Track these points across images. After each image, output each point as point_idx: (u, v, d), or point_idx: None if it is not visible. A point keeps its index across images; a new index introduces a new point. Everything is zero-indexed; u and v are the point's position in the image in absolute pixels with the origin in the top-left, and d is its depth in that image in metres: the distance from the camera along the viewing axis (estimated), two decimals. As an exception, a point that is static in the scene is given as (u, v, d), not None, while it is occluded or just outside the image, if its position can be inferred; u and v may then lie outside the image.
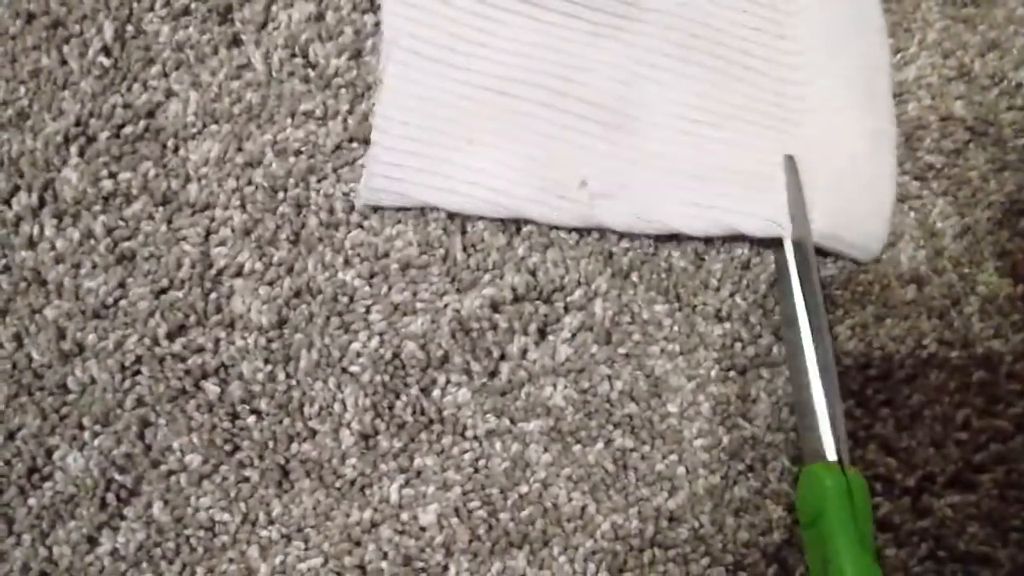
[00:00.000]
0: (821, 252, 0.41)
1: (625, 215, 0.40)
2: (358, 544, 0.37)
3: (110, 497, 0.37)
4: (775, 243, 0.40)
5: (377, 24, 0.42)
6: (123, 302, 0.39)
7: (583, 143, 0.41)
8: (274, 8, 0.42)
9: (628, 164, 0.41)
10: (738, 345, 0.39)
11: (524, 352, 0.39)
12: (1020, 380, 0.39)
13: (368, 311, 0.39)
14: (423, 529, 0.37)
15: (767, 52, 0.43)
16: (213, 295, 0.39)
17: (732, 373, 0.39)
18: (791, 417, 0.39)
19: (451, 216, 0.40)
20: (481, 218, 0.40)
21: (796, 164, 0.40)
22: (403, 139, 0.40)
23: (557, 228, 0.40)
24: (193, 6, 0.42)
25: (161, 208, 0.40)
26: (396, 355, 0.39)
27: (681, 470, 0.38)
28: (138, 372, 0.38)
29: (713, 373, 0.39)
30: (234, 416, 0.38)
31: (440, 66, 0.41)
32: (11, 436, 0.37)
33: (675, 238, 0.40)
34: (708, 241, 0.40)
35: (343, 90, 0.41)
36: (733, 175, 0.41)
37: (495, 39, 0.42)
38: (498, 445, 0.38)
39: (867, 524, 0.34)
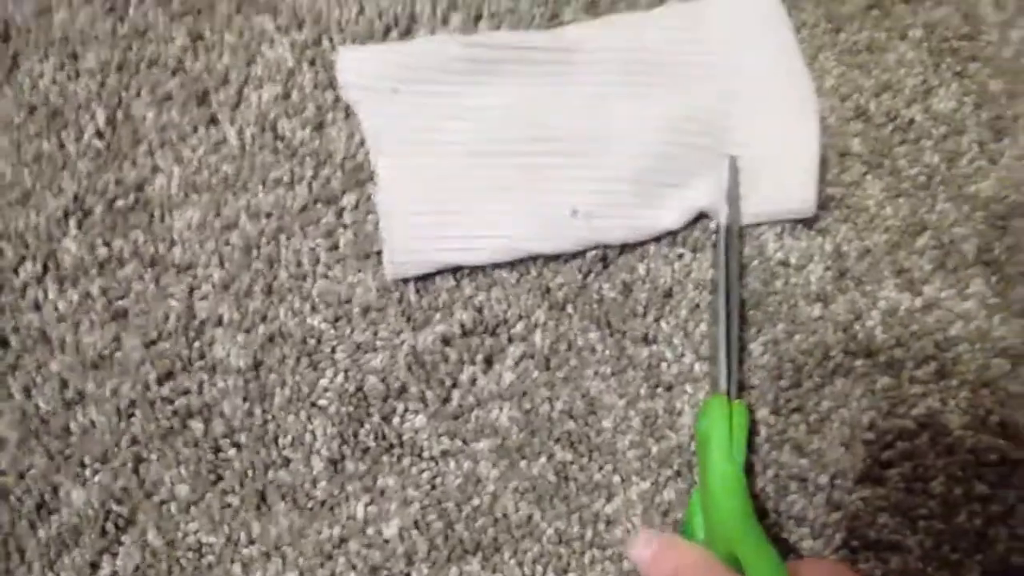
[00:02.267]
0: (768, 223, 0.46)
1: (617, 229, 0.44)
2: (330, 558, 0.41)
3: (109, 526, 0.41)
4: (703, 258, 0.45)
5: (337, 99, 0.47)
6: (118, 354, 0.43)
7: (565, 176, 0.45)
8: (246, 90, 0.48)
9: (607, 183, 0.45)
10: (663, 365, 0.43)
11: (473, 380, 0.43)
12: (921, 383, 0.43)
13: (334, 351, 0.43)
14: (387, 541, 0.41)
15: (693, 67, 0.48)
16: (197, 343, 0.43)
17: (659, 390, 0.43)
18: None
19: (404, 263, 0.45)
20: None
21: (736, 162, 0.45)
22: (410, 216, 0.44)
23: (499, 268, 0.45)
24: (174, 92, 0.48)
25: (150, 269, 0.44)
26: (359, 388, 0.43)
27: (616, 479, 0.42)
28: (132, 415, 0.42)
29: (642, 391, 0.43)
30: (217, 449, 0.42)
31: (423, 146, 0.46)
32: (21, 476, 0.42)
33: (605, 270, 0.45)
34: (633, 272, 0.45)
35: (308, 158, 0.46)
36: (689, 174, 0.45)
37: (464, 110, 0.47)
38: (452, 464, 0.42)
39: (741, 444, 0.39)
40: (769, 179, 0.45)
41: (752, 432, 0.41)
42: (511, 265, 0.45)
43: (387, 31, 0.49)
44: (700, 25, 0.49)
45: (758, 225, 0.45)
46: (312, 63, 0.48)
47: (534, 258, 0.45)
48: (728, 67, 0.48)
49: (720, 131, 0.46)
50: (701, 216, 0.45)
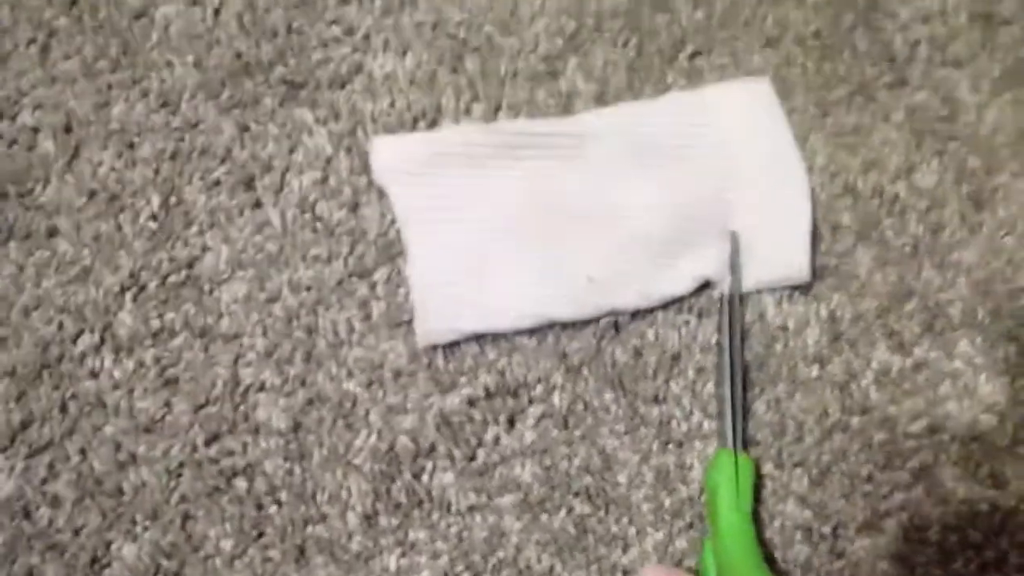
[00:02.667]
0: (767, 290, 0.50)
1: (629, 296, 0.48)
2: (365, 608, 0.43)
3: (159, 579, 0.44)
4: (708, 324, 0.48)
5: (370, 183, 0.52)
6: (168, 418, 0.46)
7: (580, 247, 0.49)
8: (288, 176, 0.52)
9: (620, 254, 0.49)
10: (674, 423, 0.47)
11: (497, 439, 0.46)
12: (915, 438, 0.46)
13: (367, 413, 0.46)
14: (419, 593, 0.44)
15: (695, 147, 0.52)
16: (241, 407, 0.46)
17: (670, 446, 0.46)
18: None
19: (433, 331, 0.48)
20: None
21: (737, 236, 0.49)
22: (439, 287, 0.48)
23: (520, 335, 0.48)
24: (223, 178, 0.52)
25: (199, 340, 0.48)
26: (391, 448, 0.46)
27: (632, 530, 0.45)
28: (181, 475, 0.45)
29: (654, 447, 0.46)
30: (259, 506, 0.45)
31: (450, 224, 0.50)
32: (76, 533, 0.44)
33: (618, 335, 0.48)
34: (643, 337, 0.48)
35: (344, 237, 0.50)
36: (696, 245, 0.50)
37: (487, 190, 0.51)
38: (478, 518, 0.45)
39: (748, 495, 0.42)
40: (767, 250, 0.49)
41: (758, 484, 0.44)
42: (531, 332, 0.48)
43: (415, 121, 0.53)
44: (702, 112, 0.53)
45: (759, 292, 0.49)
46: (348, 151, 0.52)
47: (552, 325, 0.48)
48: (728, 150, 0.52)
49: (721, 208, 0.50)
50: (705, 285, 0.49)
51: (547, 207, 0.50)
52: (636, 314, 0.49)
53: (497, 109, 0.54)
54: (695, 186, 0.51)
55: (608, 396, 0.47)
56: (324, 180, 0.52)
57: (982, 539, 0.44)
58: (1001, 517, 0.44)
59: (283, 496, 0.45)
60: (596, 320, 0.48)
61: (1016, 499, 0.44)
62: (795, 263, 0.49)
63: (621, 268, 0.49)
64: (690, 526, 0.44)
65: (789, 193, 0.51)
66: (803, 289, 0.49)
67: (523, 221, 0.50)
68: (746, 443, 0.45)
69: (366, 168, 0.52)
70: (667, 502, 0.45)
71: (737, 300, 0.47)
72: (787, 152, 0.52)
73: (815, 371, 0.47)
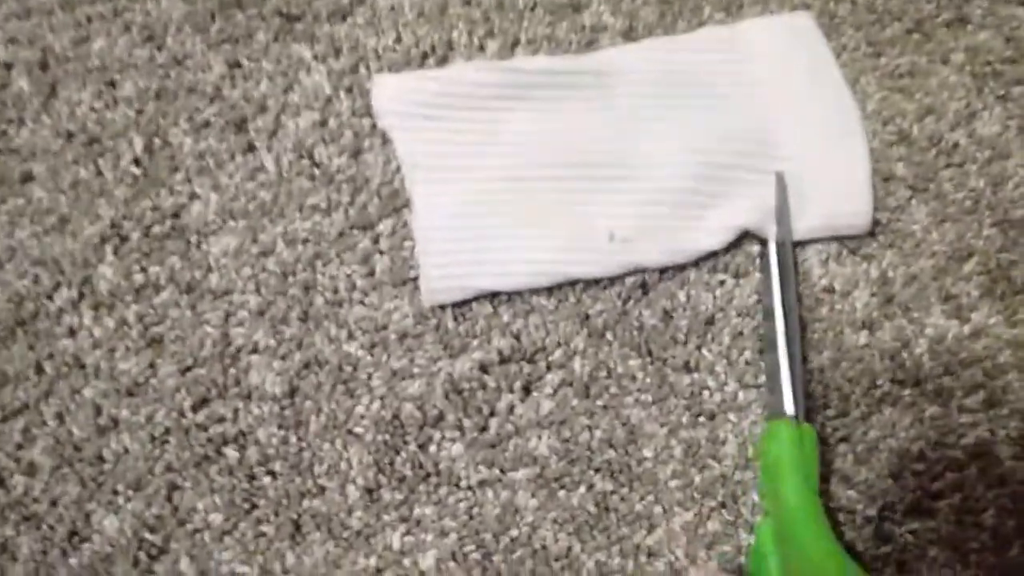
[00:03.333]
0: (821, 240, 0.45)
1: (655, 252, 0.44)
2: (365, 589, 0.40)
3: (142, 555, 0.40)
4: (746, 284, 0.44)
5: (374, 127, 0.48)
6: (153, 380, 0.43)
7: (601, 200, 0.45)
8: (283, 117, 0.48)
9: (643, 207, 0.45)
10: (706, 393, 0.43)
11: (511, 408, 0.43)
12: (971, 412, 0.42)
13: (370, 378, 0.43)
14: (423, 573, 0.40)
15: (730, 86, 0.48)
16: (232, 370, 0.43)
17: (701, 419, 0.42)
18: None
19: (441, 289, 0.45)
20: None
21: (783, 178, 0.45)
22: (446, 242, 0.44)
23: (537, 294, 0.44)
24: (212, 119, 0.48)
25: (186, 296, 0.44)
26: (396, 416, 0.42)
27: (658, 509, 0.41)
28: (166, 442, 0.42)
29: (684, 419, 0.42)
30: (251, 477, 0.42)
31: (458, 173, 0.46)
32: (54, 503, 0.41)
33: (645, 296, 0.44)
34: (673, 298, 0.44)
35: (344, 185, 0.46)
36: (730, 194, 0.45)
37: (499, 136, 0.47)
38: (490, 493, 0.41)
39: (813, 468, 0.38)
40: (821, 194, 0.45)
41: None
42: (549, 291, 0.44)
43: (424, 58, 0.49)
44: (736, 46, 0.49)
45: (803, 249, 0.45)
46: (349, 91, 0.48)
47: (572, 284, 0.44)
48: (767, 86, 0.48)
49: (762, 149, 0.46)
50: (743, 240, 0.45)
51: (565, 154, 0.46)
52: (665, 273, 0.45)
53: (514, 45, 0.50)
54: (729, 128, 0.47)
55: (634, 363, 0.43)
56: (323, 123, 0.48)
57: (1044, 525, 0.40)
58: (1065, 501, 0.40)
59: (277, 467, 0.41)
60: (621, 279, 0.44)
61: (1082, 481, 0.41)
62: (855, 209, 0.45)
63: (646, 223, 0.45)
64: (722, 506, 0.41)
65: (841, 132, 0.47)
66: (852, 247, 0.45)
67: (539, 169, 0.46)
68: (809, 412, 0.41)
69: (369, 110, 0.48)
70: (697, 479, 0.41)
71: (789, 250, 0.43)
72: (836, 90, 0.48)
73: (863, 338, 0.43)
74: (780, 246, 0.43)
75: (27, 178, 0.47)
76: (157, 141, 0.47)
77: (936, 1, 0.52)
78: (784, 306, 0.42)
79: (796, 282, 0.44)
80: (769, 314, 0.43)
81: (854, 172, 0.46)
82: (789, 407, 0.39)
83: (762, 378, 0.43)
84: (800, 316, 0.43)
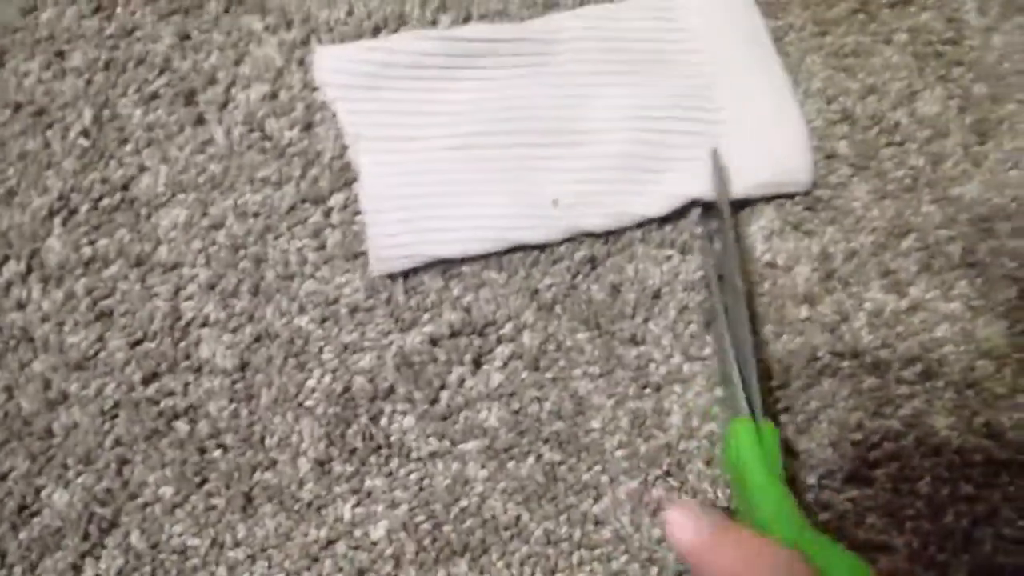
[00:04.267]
0: (766, 199, 0.46)
1: (599, 217, 0.45)
2: (316, 560, 0.40)
3: (92, 529, 0.40)
4: (691, 260, 0.45)
5: (324, 102, 0.48)
6: (102, 354, 0.43)
7: (545, 166, 0.46)
8: (233, 90, 0.47)
9: (587, 172, 0.45)
10: (652, 365, 0.43)
11: (461, 381, 0.43)
12: (907, 384, 0.43)
13: (321, 351, 0.43)
14: (374, 544, 0.41)
15: (669, 53, 0.49)
16: (182, 344, 0.43)
17: (647, 390, 0.43)
18: (703, 425, 0.43)
19: (393, 263, 0.45)
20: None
21: (717, 154, 0.46)
22: (393, 211, 0.44)
23: (488, 269, 0.45)
24: (161, 91, 0.47)
25: (135, 269, 0.44)
26: (347, 389, 0.42)
27: (604, 478, 0.42)
28: (116, 416, 0.42)
29: (630, 391, 0.43)
30: (202, 451, 0.42)
31: (402, 142, 0.46)
32: (3, 477, 0.41)
33: (594, 271, 0.45)
34: (621, 272, 0.45)
35: (296, 158, 0.46)
36: (673, 160, 0.46)
37: (442, 104, 0.47)
38: (440, 465, 0.42)
39: (776, 461, 0.38)
40: (763, 153, 0.46)
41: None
42: (499, 266, 0.44)
43: (376, 31, 0.49)
44: (673, 13, 0.49)
45: (747, 224, 0.46)
46: (301, 63, 0.48)
47: (523, 259, 0.45)
48: (704, 52, 0.49)
49: (702, 115, 0.47)
50: (688, 215, 0.46)
51: (509, 121, 0.46)
52: (614, 247, 0.45)
53: (466, 19, 0.50)
54: (669, 95, 0.47)
55: (582, 336, 0.44)
56: (274, 95, 0.48)
57: (974, 492, 0.41)
58: (995, 469, 0.42)
59: (228, 440, 0.41)
60: (571, 255, 0.45)
61: (1011, 451, 0.42)
62: (796, 166, 0.46)
63: (588, 188, 0.45)
64: (667, 475, 0.42)
65: (777, 95, 0.48)
66: (794, 223, 0.46)
67: (483, 137, 0.46)
68: (766, 406, 0.40)
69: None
70: (643, 449, 0.42)
71: (730, 228, 0.43)
72: (768, 56, 0.49)
73: (804, 311, 0.44)
74: (717, 210, 0.44)
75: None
76: (106, 113, 0.47)
77: (882, -18, 0.53)
78: (729, 290, 0.42)
79: (740, 259, 0.44)
80: (711, 289, 0.43)
81: (793, 131, 0.47)
82: (743, 408, 0.39)
83: (707, 351, 0.43)
84: (749, 293, 0.44)
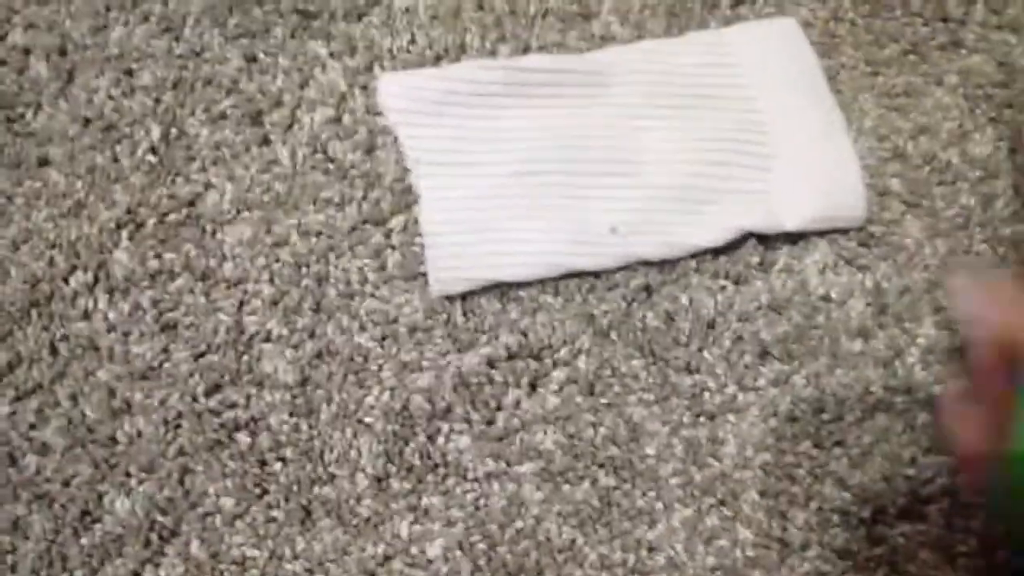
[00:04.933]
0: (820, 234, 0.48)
1: (656, 245, 0.46)
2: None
3: (153, 537, 0.41)
4: (745, 291, 0.46)
5: (386, 126, 0.49)
6: (167, 365, 0.44)
7: (602, 195, 0.47)
8: (299, 112, 0.49)
9: (644, 202, 0.47)
10: (706, 394, 0.44)
11: (517, 403, 0.44)
12: (960, 421, 0.44)
13: (380, 369, 0.44)
14: (430, 562, 0.41)
15: (722, 88, 0.50)
16: (245, 357, 0.44)
17: (702, 419, 0.44)
18: (757, 455, 0.43)
19: (452, 285, 0.46)
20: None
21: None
22: (452, 234, 0.46)
23: (545, 293, 0.46)
24: (228, 111, 0.49)
25: (200, 283, 0.45)
26: (405, 407, 0.44)
27: (659, 505, 0.43)
28: (179, 426, 0.43)
29: (685, 419, 0.44)
30: (263, 463, 0.43)
31: (462, 167, 0.47)
32: (66, 483, 0.42)
33: (649, 299, 0.46)
34: (676, 301, 0.46)
35: (358, 180, 0.48)
36: (726, 192, 0.47)
37: (502, 132, 0.48)
38: (496, 485, 0.43)
39: None
40: (816, 187, 0.48)
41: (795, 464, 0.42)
42: (556, 290, 0.46)
43: (437, 60, 0.50)
44: (728, 49, 0.51)
45: (801, 259, 0.47)
46: (364, 88, 0.49)
47: (579, 285, 0.46)
48: (756, 88, 0.50)
49: (755, 148, 0.48)
50: (742, 248, 0.47)
51: (567, 150, 0.48)
52: (668, 278, 0.46)
53: (526, 50, 0.51)
54: (723, 129, 0.49)
55: (637, 363, 0.45)
56: (337, 119, 0.49)
57: (1027, 529, 0.42)
58: (1047, 507, 0.42)
59: (288, 453, 0.43)
60: (626, 283, 0.46)
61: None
62: (849, 202, 0.48)
63: (644, 216, 0.47)
64: (721, 503, 0.42)
65: (828, 132, 0.49)
66: (848, 258, 0.47)
67: (541, 164, 0.47)
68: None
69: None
70: (697, 477, 0.43)
71: None
72: (819, 91, 0.50)
73: (858, 345, 0.45)
74: None
75: (44, 162, 0.47)
76: (174, 131, 0.48)
77: (932, 25, 0.54)
78: None
79: None
80: None
81: (845, 167, 0.48)
82: None
83: (761, 381, 0.44)
84: (797, 323, 0.45)
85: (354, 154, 0.48)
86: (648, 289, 0.46)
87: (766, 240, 0.47)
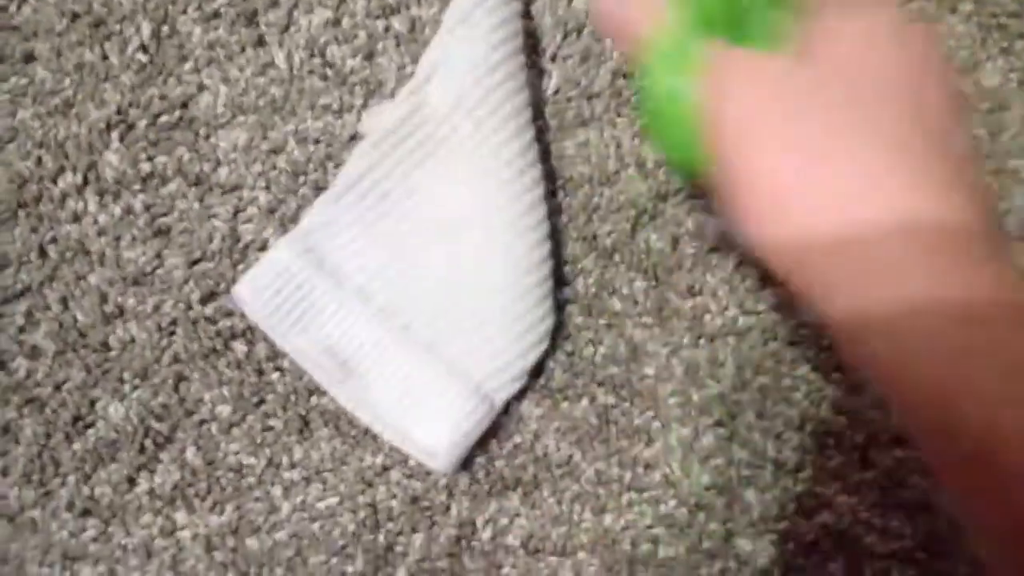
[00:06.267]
0: None
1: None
2: (370, 486, 0.43)
3: (148, 443, 0.43)
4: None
5: (387, 28, 0.49)
6: (160, 271, 0.44)
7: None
8: (296, 13, 0.49)
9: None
10: (707, 316, 0.46)
11: (518, 320, 0.45)
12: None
13: (379, 282, 0.45)
14: (428, 473, 0.43)
15: None
16: (241, 266, 0.45)
17: (702, 340, 0.46)
18: (756, 378, 0.45)
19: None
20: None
21: None
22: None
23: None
24: (222, 10, 0.48)
25: (194, 188, 0.46)
26: (404, 321, 0.45)
27: (656, 424, 0.44)
28: (173, 333, 0.44)
29: (685, 340, 0.46)
30: (260, 372, 0.44)
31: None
32: (57, 388, 0.43)
33: (653, 222, 0.47)
34: (681, 225, 0.47)
35: (357, 87, 0.48)
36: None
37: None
38: (495, 401, 0.44)
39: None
40: None
41: (793, 388, 0.44)
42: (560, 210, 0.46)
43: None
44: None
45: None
46: (365, -10, 0.49)
47: (584, 206, 0.47)
48: None
49: None
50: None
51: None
52: (676, 200, 0.47)
53: None
54: None
55: (639, 285, 0.46)
56: (336, 22, 0.49)
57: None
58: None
59: (286, 363, 0.44)
60: (633, 203, 0.46)
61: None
62: None
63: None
64: (718, 423, 0.44)
65: None
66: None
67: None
68: None
69: (384, 11, 0.49)
70: (695, 397, 0.45)
71: None
72: None
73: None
74: None
75: (29, 58, 0.47)
76: (165, 28, 0.48)
77: (949, -51, 0.54)
78: None
79: None
80: None
81: None
82: None
83: (762, 305, 0.46)
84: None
85: (353, 59, 0.48)
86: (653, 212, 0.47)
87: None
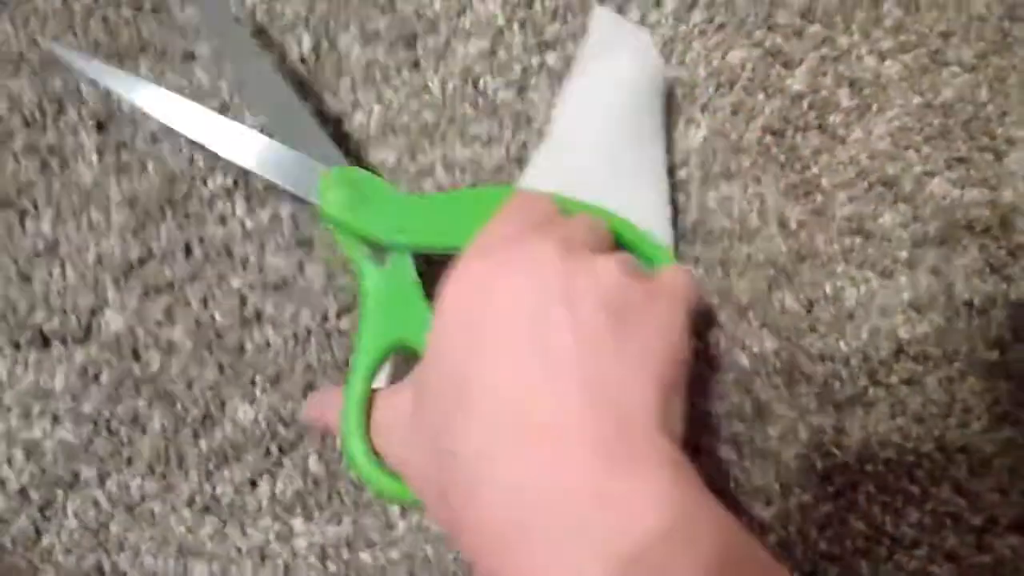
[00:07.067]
0: None
1: None
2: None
3: (273, 447, 0.44)
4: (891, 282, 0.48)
5: (542, 64, 0.50)
6: (300, 280, 0.46)
7: None
8: (453, 41, 0.51)
9: None
10: (836, 384, 0.47)
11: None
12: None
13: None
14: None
15: None
16: (378, 283, 0.46)
17: (829, 408, 0.46)
18: (882, 451, 0.46)
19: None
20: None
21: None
22: None
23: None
24: (383, 31, 0.50)
25: (339, 203, 0.47)
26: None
27: (776, 486, 0.45)
28: (308, 342, 0.45)
29: (812, 405, 0.46)
30: (389, 391, 0.45)
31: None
32: (189, 384, 0.45)
33: (788, 284, 0.48)
34: (816, 286, 0.48)
35: (507, 119, 0.49)
36: None
37: None
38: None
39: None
40: None
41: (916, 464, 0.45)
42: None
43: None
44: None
45: (950, 261, 0.48)
46: (522, 25, 0.51)
47: (721, 260, 0.48)
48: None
49: None
50: (892, 233, 0.48)
51: None
52: (813, 263, 0.48)
53: None
54: None
55: (769, 344, 0.47)
56: (492, 52, 0.50)
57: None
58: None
59: (414, 385, 0.45)
60: (771, 262, 0.47)
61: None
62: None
63: None
64: (838, 493, 0.45)
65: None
66: (996, 267, 0.49)
67: None
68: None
69: (540, 47, 0.50)
70: (819, 464, 0.45)
71: None
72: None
73: (994, 356, 0.47)
74: None
75: (189, 57, 0.49)
76: (325, 43, 0.50)
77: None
78: None
79: None
80: None
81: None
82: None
83: (893, 379, 0.46)
84: (937, 325, 0.47)
85: (506, 92, 0.50)
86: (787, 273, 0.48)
87: (916, 237, 0.48)
